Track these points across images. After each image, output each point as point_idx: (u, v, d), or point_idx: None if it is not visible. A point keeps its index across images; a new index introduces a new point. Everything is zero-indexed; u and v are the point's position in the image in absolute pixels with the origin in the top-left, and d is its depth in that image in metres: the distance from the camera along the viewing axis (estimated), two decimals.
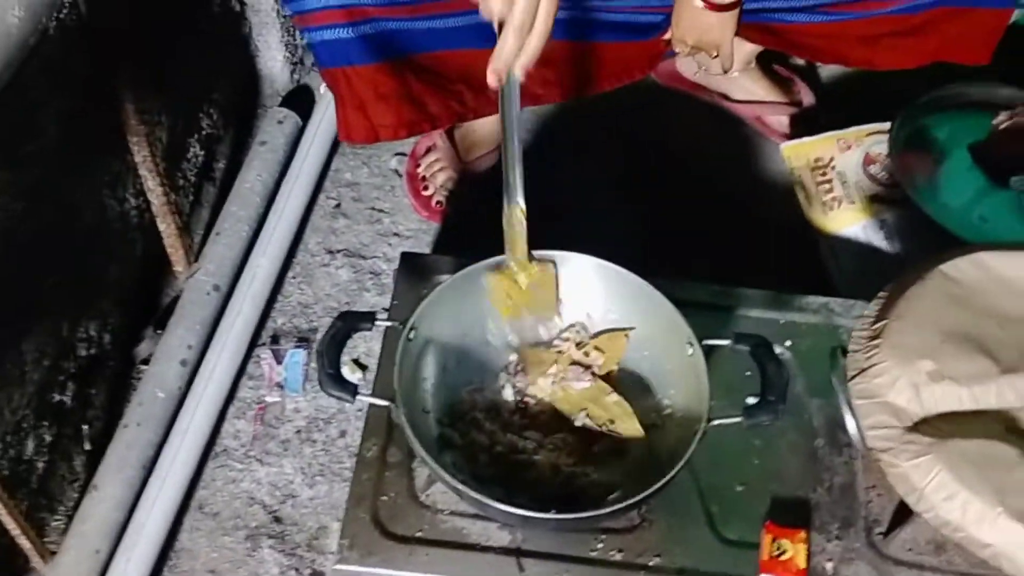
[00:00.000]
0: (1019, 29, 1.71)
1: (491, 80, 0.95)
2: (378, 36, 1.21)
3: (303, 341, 1.42)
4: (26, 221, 1.08)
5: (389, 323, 1.08)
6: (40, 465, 1.19)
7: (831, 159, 1.52)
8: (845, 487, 1.10)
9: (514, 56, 0.93)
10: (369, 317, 1.06)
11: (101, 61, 1.16)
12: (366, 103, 1.25)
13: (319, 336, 1.42)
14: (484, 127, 1.57)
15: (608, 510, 0.96)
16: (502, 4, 0.91)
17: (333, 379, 1.00)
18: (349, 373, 1.38)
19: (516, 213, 1.05)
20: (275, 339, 1.43)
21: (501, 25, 0.93)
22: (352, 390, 0.99)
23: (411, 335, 1.04)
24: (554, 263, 1.10)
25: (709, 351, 1.05)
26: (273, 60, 1.68)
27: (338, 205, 1.60)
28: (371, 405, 1.10)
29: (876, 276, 1.37)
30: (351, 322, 1.04)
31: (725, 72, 1.46)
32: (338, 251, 1.53)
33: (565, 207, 1.52)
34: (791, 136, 1.64)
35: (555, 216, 1.45)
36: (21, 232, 1.08)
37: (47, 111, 1.09)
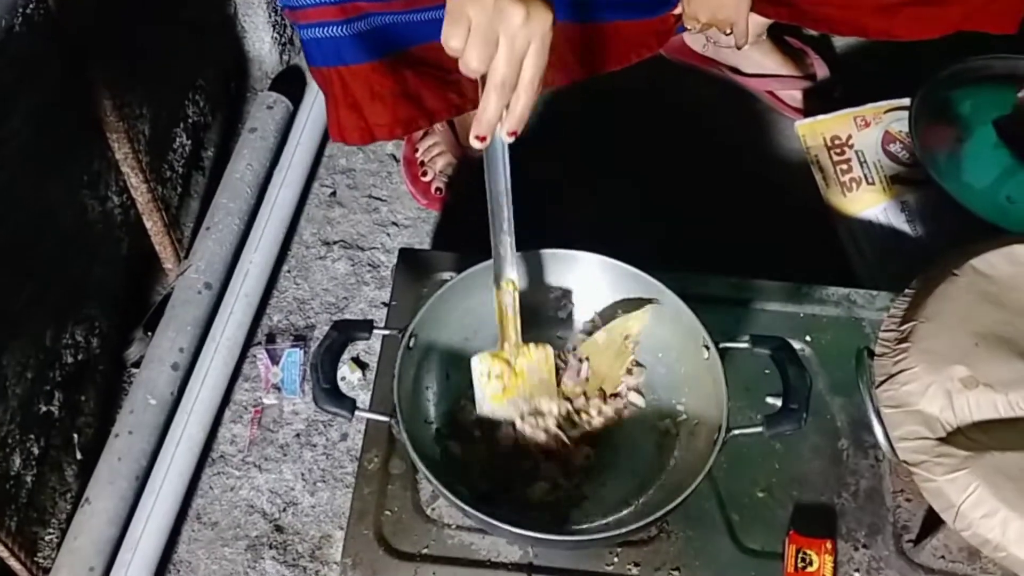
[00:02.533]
0: None
1: (475, 144, 0.87)
2: (373, 32, 1.14)
3: (300, 339, 1.38)
4: (1, 225, 1.03)
5: (387, 331, 1.03)
6: (29, 479, 1.15)
7: (849, 137, 1.46)
8: (871, 492, 1.07)
9: (498, 117, 0.83)
10: (366, 326, 1.00)
11: (72, 56, 1.09)
12: (360, 103, 1.19)
13: (316, 334, 1.39)
14: None
15: (626, 529, 0.92)
16: (479, 59, 0.79)
17: (329, 394, 0.95)
18: (349, 372, 1.35)
19: (507, 290, 0.98)
20: (270, 338, 1.39)
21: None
22: (350, 406, 0.95)
23: (411, 343, 1.00)
24: (550, 344, 1.03)
25: (725, 353, 1.00)
26: (260, 41, 1.62)
27: (333, 193, 1.54)
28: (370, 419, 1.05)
29: (899, 261, 1.35)
30: (347, 332, 0.99)
31: (739, 49, 1.40)
32: (334, 242, 1.49)
33: (568, 194, 1.48)
34: (806, 112, 1.58)
35: (557, 203, 1.40)
36: None
37: (17, 110, 1.02)
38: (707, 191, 1.51)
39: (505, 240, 0.95)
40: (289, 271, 1.46)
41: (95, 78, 1.13)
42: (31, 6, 0.99)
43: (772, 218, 1.47)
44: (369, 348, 1.37)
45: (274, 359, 1.35)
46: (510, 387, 1.00)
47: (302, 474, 1.27)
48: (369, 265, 1.46)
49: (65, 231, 1.18)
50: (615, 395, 1.07)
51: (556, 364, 1.04)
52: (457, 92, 1.26)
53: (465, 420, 1.04)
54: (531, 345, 1.01)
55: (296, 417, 1.32)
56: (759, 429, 0.96)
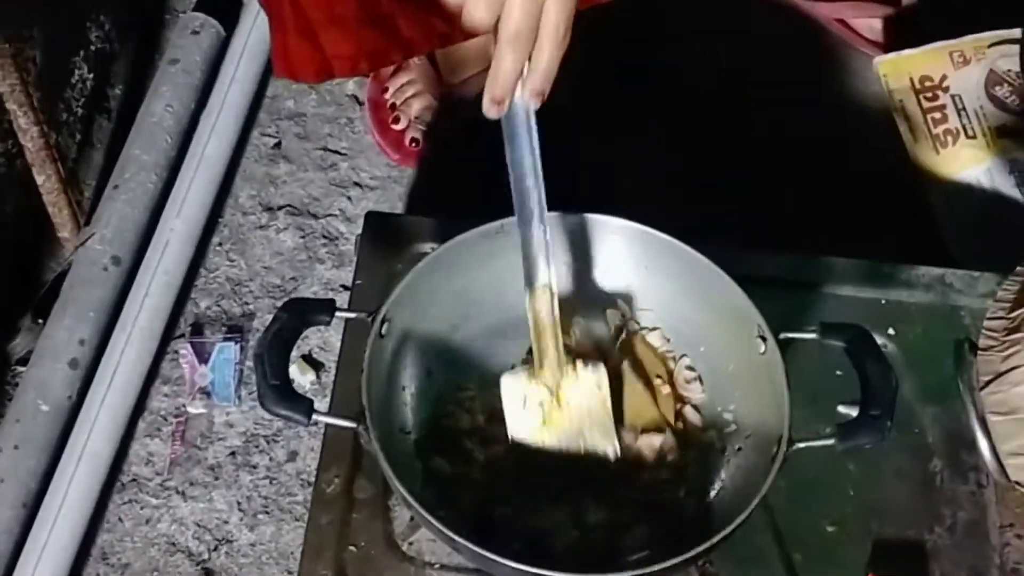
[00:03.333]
0: None
1: (490, 112, 0.89)
2: None
3: (235, 331, 1.41)
4: None
5: (353, 315, 1.04)
6: None
7: (943, 78, 1.52)
8: (972, 526, 1.09)
9: (516, 76, 0.87)
10: (326, 307, 1.02)
11: None
12: (316, 27, 1.19)
13: (256, 324, 1.42)
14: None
15: (659, 567, 0.93)
16: (490, 9, 0.83)
17: (279, 393, 0.96)
18: (298, 373, 1.38)
19: (542, 297, 0.99)
20: (197, 329, 1.43)
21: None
22: (306, 408, 0.96)
23: (383, 330, 1.02)
24: (603, 365, 1.03)
25: (787, 346, 1.02)
26: None
27: (278, 144, 1.59)
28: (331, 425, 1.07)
29: (1006, 235, 1.38)
30: (301, 314, 1.01)
31: None
32: (279, 208, 1.53)
33: (591, 151, 1.51)
34: (887, 47, 1.63)
35: (580, 166, 1.43)
36: None
37: None
38: (761, 148, 1.55)
39: (536, 233, 0.96)
40: (221, 244, 1.50)
41: None
42: None
43: (844, 181, 1.51)
44: (325, 344, 1.40)
45: (202, 356, 1.38)
46: (553, 420, 1.01)
47: (238, 503, 1.31)
48: (324, 237, 1.50)
49: None
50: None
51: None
52: (442, 16, 1.27)
53: (454, 429, 1.06)
54: (579, 364, 1.01)
55: (231, 431, 1.36)
56: (830, 442, 0.97)
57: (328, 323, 1.03)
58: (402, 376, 1.06)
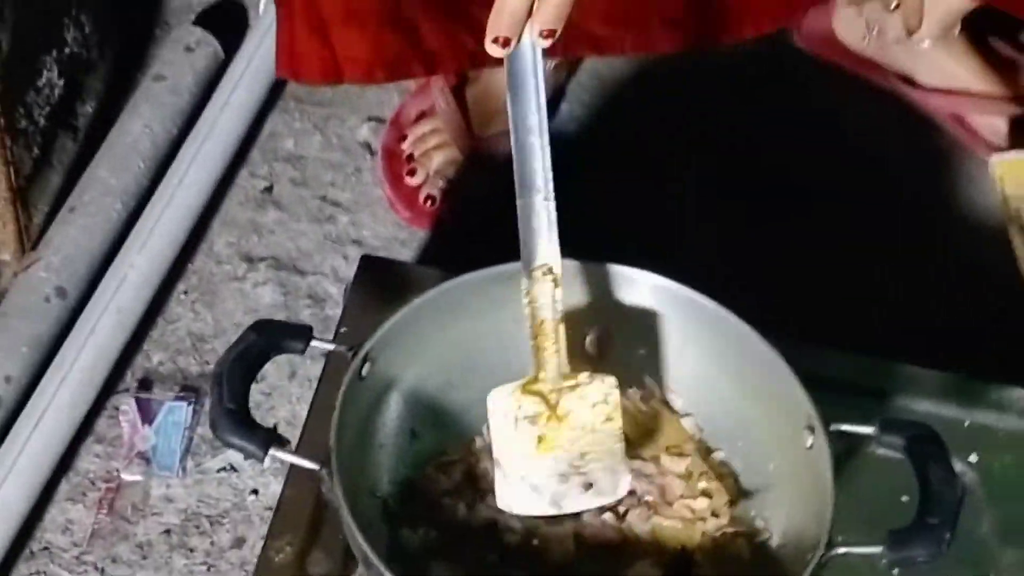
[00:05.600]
0: None
1: (492, 50, 0.98)
2: None
3: (189, 392, 1.49)
4: None
5: (332, 346, 1.13)
6: None
7: None
8: None
9: (524, 11, 0.95)
10: (302, 333, 1.10)
11: None
12: (329, 23, 1.31)
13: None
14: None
15: None
16: None
17: (234, 419, 1.04)
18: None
19: (544, 281, 1.04)
20: (145, 384, 1.50)
21: None
22: (263, 440, 1.03)
23: (364, 371, 1.09)
24: (615, 379, 1.07)
25: (840, 443, 1.09)
26: None
27: (269, 188, 1.69)
28: (288, 477, 1.15)
29: None
30: (271, 336, 1.09)
31: (910, 35, 1.54)
32: (260, 259, 1.62)
33: (640, 227, 1.60)
34: (1009, 148, 1.71)
35: (627, 238, 1.51)
36: None
37: None
38: (848, 246, 1.64)
39: (538, 203, 1.02)
40: (187, 292, 1.58)
41: None
42: None
43: (943, 290, 1.59)
44: (294, 417, 1.46)
45: (146, 415, 1.45)
46: (550, 439, 1.04)
47: None
48: (309, 297, 1.58)
49: None
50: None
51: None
52: (470, 28, 1.37)
53: (431, 494, 1.13)
54: (586, 376, 1.05)
55: (169, 506, 1.42)
56: (877, 550, 1.04)
57: (302, 351, 1.11)
58: (380, 431, 1.13)
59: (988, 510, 1.22)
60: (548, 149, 1.02)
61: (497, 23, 0.96)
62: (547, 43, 0.97)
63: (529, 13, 0.95)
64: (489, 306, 1.14)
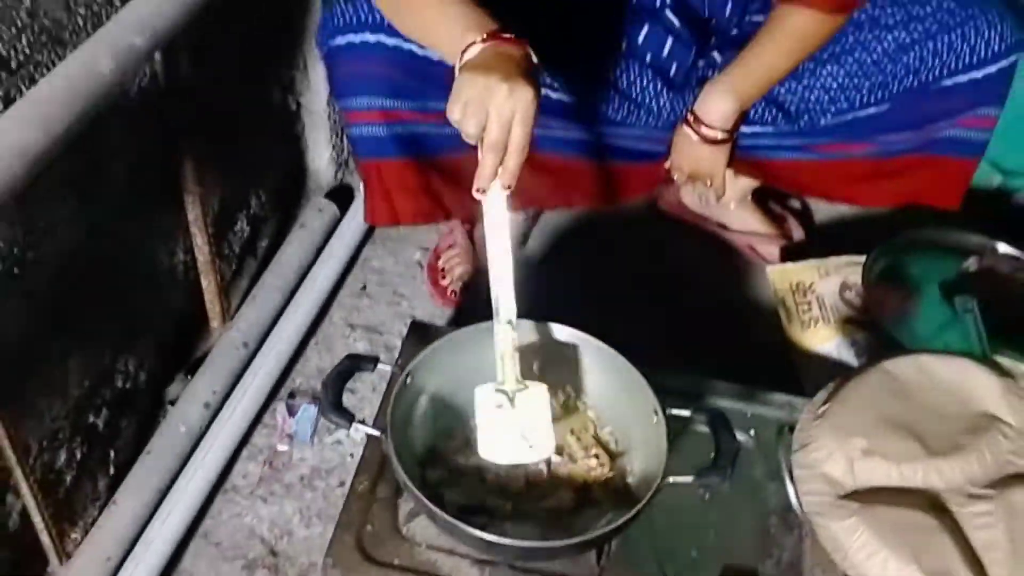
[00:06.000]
0: (1001, 192, 1.87)
1: (476, 196, 1.02)
2: (408, 137, 1.34)
3: (316, 400, 1.52)
4: (85, 252, 1.22)
5: (389, 367, 1.18)
6: (68, 478, 1.29)
7: (812, 284, 1.63)
8: (792, 562, 1.16)
9: (493, 172, 0.99)
10: (371, 360, 1.16)
11: (172, 126, 1.31)
12: (392, 192, 1.37)
13: None
14: None
15: (568, 542, 1.04)
16: (475, 126, 0.97)
17: (334, 407, 1.10)
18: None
19: (505, 331, 1.07)
20: (292, 395, 1.54)
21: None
22: (349, 418, 1.09)
23: (407, 380, 1.14)
24: (547, 386, 1.10)
25: (672, 422, 1.13)
26: (320, 158, 1.85)
27: (364, 287, 1.73)
28: (366, 446, 1.20)
29: None
30: (355, 362, 1.15)
31: (718, 200, 1.59)
32: (358, 326, 1.66)
33: (575, 302, 1.62)
34: (779, 263, 1.74)
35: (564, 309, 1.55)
36: (80, 260, 1.21)
37: (120, 159, 1.24)
38: (690, 318, 1.66)
39: (502, 281, 1.06)
40: (316, 344, 1.62)
41: (186, 148, 1.34)
42: (146, 77, 1.22)
43: (741, 345, 1.61)
44: (371, 408, 1.48)
45: (292, 412, 1.49)
46: (508, 420, 1.07)
47: (301, 510, 1.40)
48: (385, 347, 1.62)
49: (138, 271, 1.37)
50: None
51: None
52: (473, 198, 1.44)
53: (446, 453, 1.17)
54: (528, 383, 1.09)
55: (303, 463, 1.46)
56: (689, 479, 1.09)
57: (372, 370, 1.15)
58: (415, 415, 1.17)
59: (758, 462, 1.24)
60: (509, 241, 1.06)
61: (479, 180, 1.02)
62: (506, 192, 1.02)
63: (495, 173, 1.01)
64: (477, 346, 1.16)
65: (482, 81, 0.98)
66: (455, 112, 0.99)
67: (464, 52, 1.03)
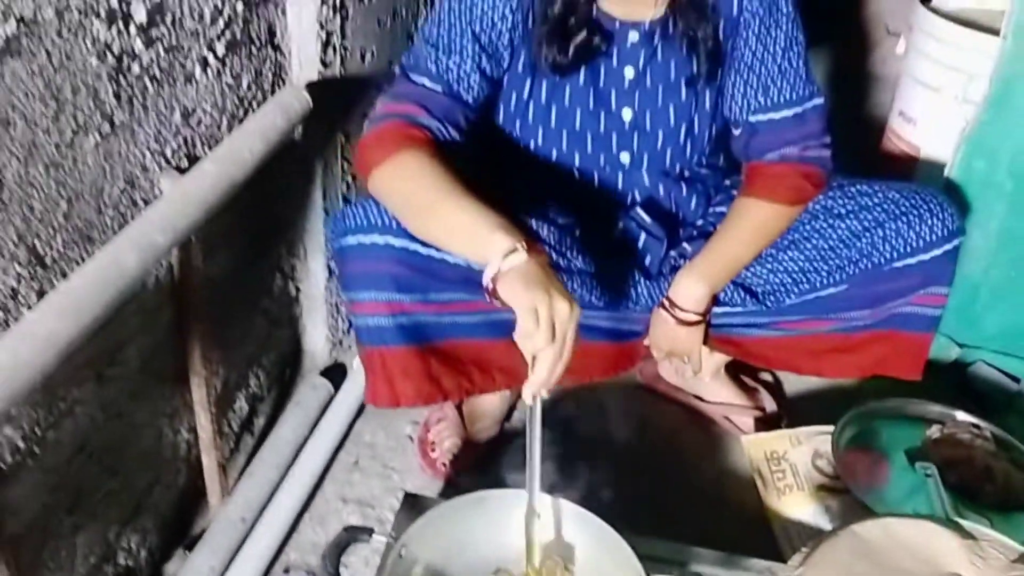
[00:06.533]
0: (958, 364, 1.97)
1: (527, 399, 1.14)
2: (410, 326, 1.40)
3: (311, 574, 1.55)
4: (100, 431, 1.29)
5: (384, 537, 1.23)
6: None
7: (785, 452, 1.71)
8: None
9: (549, 381, 1.12)
10: (367, 531, 1.22)
11: (181, 314, 1.41)
12: (394, 377, 1.42)
13: None
14: (486, 404, 1.79)
15: None
16: (546, 339, 1.10)
17: None
18: None
19: (533, 518, 1.18)
20: (286, 570, 1.56)
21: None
22: None
23: (402, 551, 1.19)
24: (565, 565, 1.21)
25: None
26: (317, 339, 1.94)
27: (356, 462, 1.78)
28: None
29: None
30: (352, 533, 1.21)
31: (695, 375, 1.68)
32: (351, 500, 1.70)
33: (560, 472, 1.68)
34: (753, 433, 1.82)
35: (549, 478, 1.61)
36: (94, 439, 1.28)
37: (133, 345, 1.33)
38: (668, 487, 1.72)
39: (535, 475, 1.16)
40: (311, 518, 1.66)
41: (194, 335, 1.43)
42: (162, 270, 1.32)
43: (718, 513, 1.66)
44: None
45: None
46: None
47: None
48: (377, 521, 1.65)
49: (144, 450, 1.43)
50: None
51: None
52: (468, 379, 1.50)
53: None
54: (543, 570, 1.19)
55: None
56: None
57: (368, 540, 1.22)
58: None
59: None
60: (539, 446, 1.17)
61: (533, 387, 1.13)
62: (547, 395, 1.14)
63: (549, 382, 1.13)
64: (469, 518, 1.23)
65: (546, 299, 1.11)
66: (530, 323, 1.10)
67: (507, 256, 1.15)
